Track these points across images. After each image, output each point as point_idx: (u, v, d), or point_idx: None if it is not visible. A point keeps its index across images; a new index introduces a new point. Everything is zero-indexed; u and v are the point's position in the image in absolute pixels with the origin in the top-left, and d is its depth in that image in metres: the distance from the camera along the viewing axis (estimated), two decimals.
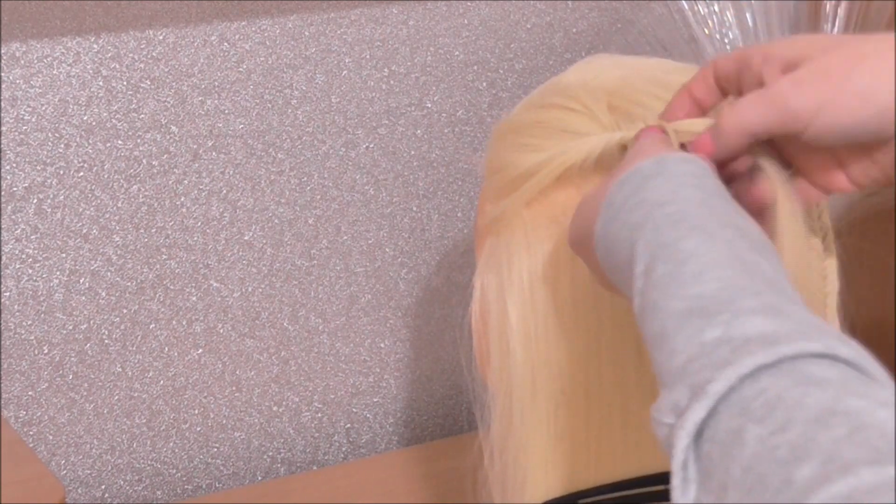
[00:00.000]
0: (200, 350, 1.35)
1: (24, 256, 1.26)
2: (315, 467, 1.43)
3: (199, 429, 1.37)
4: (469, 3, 1.37)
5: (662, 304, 0.69)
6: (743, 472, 0.60)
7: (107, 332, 1.31)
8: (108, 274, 1.29)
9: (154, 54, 1.26)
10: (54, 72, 1.23)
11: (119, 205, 1.28)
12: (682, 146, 0.87)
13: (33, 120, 1.23)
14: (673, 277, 0.69)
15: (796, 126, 0.83)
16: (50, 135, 1.24)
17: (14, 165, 1.23)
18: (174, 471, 1.37)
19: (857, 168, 0.88)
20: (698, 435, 0.63)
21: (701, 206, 0.74)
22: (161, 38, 1.26)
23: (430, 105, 1.38)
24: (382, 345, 1.43)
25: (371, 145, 1.37)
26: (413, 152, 1.39)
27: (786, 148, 0.89)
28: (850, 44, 0.83)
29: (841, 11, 1.35)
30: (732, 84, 0.89)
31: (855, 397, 0.60)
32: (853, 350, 0.63)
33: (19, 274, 1.26)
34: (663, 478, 0.92)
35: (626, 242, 0.74)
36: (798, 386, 0.61)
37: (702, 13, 1.32)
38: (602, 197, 0.79)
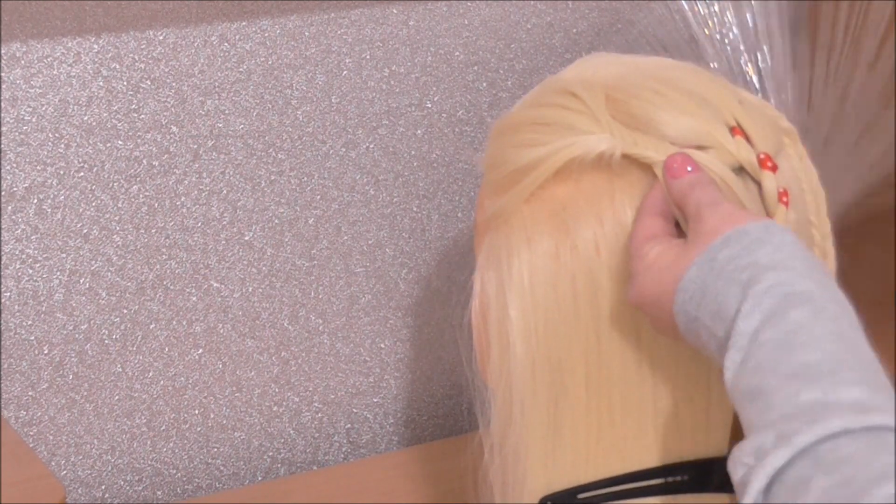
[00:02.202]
0: (201, 350, 1.35)
1: (24, 256, 1.26)
2: (315, 468, 1.43)
3: (199, 429, 1.37)
4: (469, 4, 1.37)
5: (766, 366, 0.75)
6: None
7: (107, 333, 1.31)
8: (109, 274, 1.29)
9: (154, 54, 1.26)
10: (54, 72, 1.23)
11: (119, 205, 1.28)
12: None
13: (33, 120, 1.23)
14: (780, 343, 0.75)
15: None
16: (50, 135, 1.24)
17: (14, 165, 1.24)
18: (174, 471, 1.37)
19: None
20: (773, 478, 0.70)
21: (809, 279, 0.79)
22: (161, 38, 1.26)
23: (430, 105, 1.38)
24: (382, 345, 1.43)
25: (371, 145, 1.37)
26: (413, 152, 1.39)
27: None
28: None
29: (841, 12, 1.36)
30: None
31: None
32: None
33: (19, 274, 1.26)
34: (662, 472, 0.92)
35: (731, 298, 0.79)
36: (872, 449, 0.67)
37: (702, 13, 1.32)
38: (685, 258, 0.84)
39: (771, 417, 0.72)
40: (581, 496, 0.93)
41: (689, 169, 0.89)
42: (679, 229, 0.90)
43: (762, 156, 0.92)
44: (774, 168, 0.92)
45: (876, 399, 0.71)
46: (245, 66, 1.30)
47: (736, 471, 0.72)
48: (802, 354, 0.74)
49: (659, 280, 0.86)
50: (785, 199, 0.92)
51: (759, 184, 0.92)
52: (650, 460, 0.93)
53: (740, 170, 0.92)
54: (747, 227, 0.82)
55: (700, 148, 0.92)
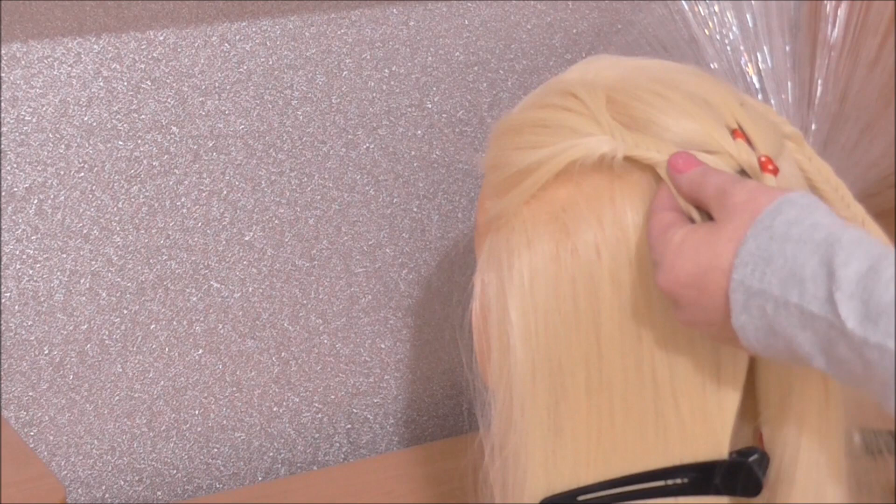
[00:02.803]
0: (201, 350, 1.35)
1: (24, 257, 1.26)
2: (315, 468, 1.43)
3: (199, 429, 1.37)
4: (469, 4, 1.37)
5: None
6: None
7: (107, 333, 1.31)
8: (109, 274, 1.29)
9: (155, 55, 1.26)
10: (55, 72, 1.23)
11: (119, 205, 1.28)
12: None
13: (34, 120, 1.23)
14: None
15: None
16: (50, 135, 1.24)
17: (14, 166, 1.24)
18: (174, 471, 1.37)
19: None
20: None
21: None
22: (162, 38, 1.26)
23: (430, 105, 1.38)
24: (382, 345, 1.43)
25: (371, 146, 1.37)
26: (413, 153, 1.39)
27: None
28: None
29: (841, 12, 1.36)
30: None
31: None
32: None
33: (19, 274, 1.26)
34: (663, 474, 0.92)
35: (809, 256, 0.78)
36: None
37: (702, 13, 1.32)
38: (725, 249, 0.82)
39: None
40: (581, 498, 0.93)
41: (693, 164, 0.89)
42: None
43: (763, 158, 0.92)
44: (776, 171, 0.91)
45: None
46: (245, 67, 1.30)
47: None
48: None
49: (696, 259, 0.84)
50: None
51: None
52: (650, 462, 0.93)
53: (741, 172, 0.92)
54: (792, 196, 0.82)
55: (701, 150, 0.92)
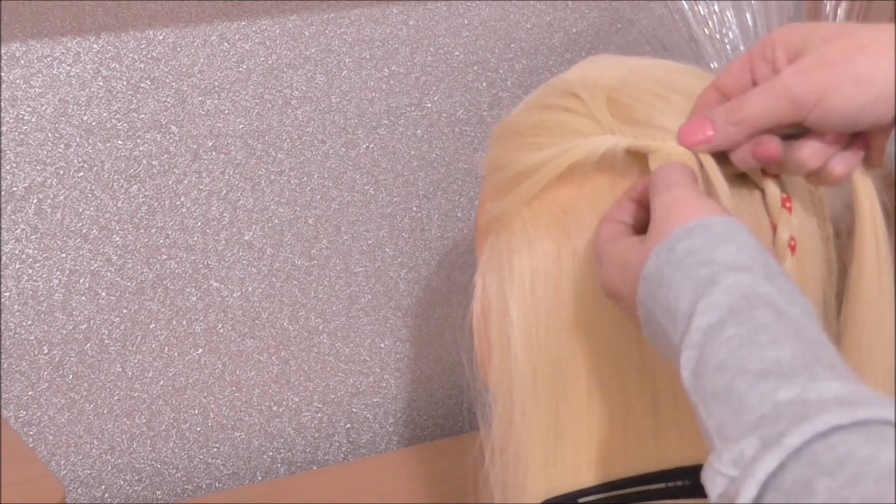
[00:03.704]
0: (200, 350, 1.35)
1: (24, 256, 1.26)
2: (315, 467, 1.43)
3: (199, 429, 1.37)
4: (469, 3, 1.37)
5: (732, 363, 0.71)
6: None
7: (107, 332, 1.31)
8: (108, 274, 1.29)
9: (154, 54, 1.26)
10: (54, 72, 1.23)
11: (119, 205, 1.28)
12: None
13: (33, 120, 1.23)
14: (746, 340, 0.72)
15: (800, 113, 0.86)
16: (50, 135, 1.24)
17: (14, 165, 1.23)
18: (174, 471, 1.37)
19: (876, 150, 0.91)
20: (765, 485, 0.65)
21: (769, 282, 0.76)
22: (161, 38, 1.26)
23: (430, 105, 1.38)
24: (382, 345, 1.43)
25: (371, 145, 1.37)
26: (413, 152, 1.39)
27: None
28: (848, 33, 0.87)
29: (841, 11, 1.35)
30: (740, 89, 0.90)
31: None
32: None
33: (19, 274, 1.26)
34: (664, 476, 0.92)
35: (686, 294, 0.76)
36: (870, 443, 0.63)
37: (702, 13, 1.32)
38: (655, 239, 0.81)
39: (748, 420, 0.68)
40: (582, 500, 0.93)
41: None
42: None
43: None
44: (778, 175, 0.92)
45: (857, 392, 0.67)
46: (245, 66, 1.30)
47: (714, 485, 0.68)
48: (771, 351, 0.71)
49: (623, 271, 0.84)
50: (788, 204, 0.92)
51: (762, 190, 0.92)
52: (651, 465, 0.92)
53: (742, 175, 0.92)
54: (711, 220, 0.80)
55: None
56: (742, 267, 0.77)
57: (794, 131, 0.89)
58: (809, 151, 0.89)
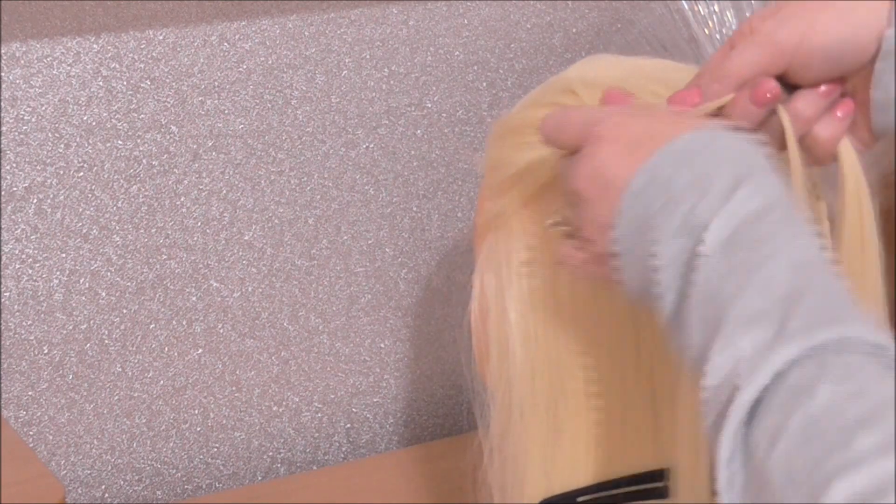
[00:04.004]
0: (200, 350, 1.35)
1: (24, 256, 1.26)
2: (315, 467, 1.43)
3: (199, 429, 1.37)
4: (469, 3, 1.37)
5: (772, 244, 0.69)
6: (803, 423, 0.60)
7: (107, 333, 1.31)
8: (108, 274, 1.29)
9: (154, 54, 1.26)
10: (54, 72, 1.23)
11: (119, 205, 1.28)
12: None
13: (33, 120, 1.23)
14: (787, 227, 0.71)
15: (783, 59, 0.86)
16: (50, 135, 1.24)
17: (14, 165, 1.24)
18: (174, 471, 1.37)
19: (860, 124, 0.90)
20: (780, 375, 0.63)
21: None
22: (161, 38, 1.26)
23: (430, 105, 1.38)
24: (382, 345, 1.43)
25: (371, 145, 1.37)
26: (413, 152, 1.39)
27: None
28: None
29: None
30: None
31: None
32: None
33: (19, 274, 1.26)
34: (661, 475, 0.92)
35: (727, 173, 0.73)
36: (885, 370, 0.62)
37: (702, 13, 1.32)
38: (680, 128, 0.78)
39: (772, 301, 0.66)
40: (580, 499, 0.93)
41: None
42: None
43: None
44: None
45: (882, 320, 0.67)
46: (245, 66, 1.30)
47: (722, 356, 0.65)
48: (814, 247, 0.70)
49: (644, 127, 0.81)
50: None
51: None
52: (649, 463, 0.93)
53: None
54: (716, 131, 0.78)
55: None
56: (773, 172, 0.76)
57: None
58: (802, 101, 0.87)
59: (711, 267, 0.70)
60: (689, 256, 0.72)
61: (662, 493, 0.92)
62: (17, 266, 1.26)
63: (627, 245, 0.76)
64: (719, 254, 0.70)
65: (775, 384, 0.63)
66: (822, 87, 0.87)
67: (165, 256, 1.31)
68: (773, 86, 0.86)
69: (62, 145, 1.25)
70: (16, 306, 1.27)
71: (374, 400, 1.44)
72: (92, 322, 1.30)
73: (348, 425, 1.43)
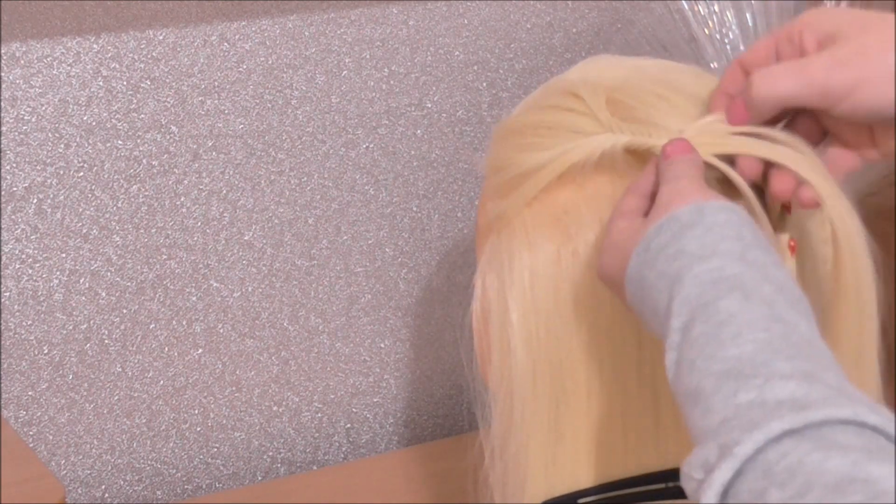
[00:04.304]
0: (200, 350, 1.35)
1: (24, 256, 1.26)
2: (315, 467, 1.43)
3: (199, 429, 1.37)
4: (469, 3, 1.37)
5: (700, 364, 0.71)
6: None
7: (107, 332, 1.31)
8: (108, 274, 1.29)
9: (154, 54, 1.26)
10: (54, 72, 1.23)
11: (119, 205, 1.28)
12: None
13: (33, 120, 1.23)
14: (711, 338, 0.72)
15: (827, 103, 0.85)
16: (50, 135, 1.24)
17: (14, 165, 1.24)
18: (174, 471, 1.37)
19: (885, 142, 0.89)
20: (725, 493, 0.66)
21: (740, 261, 0.76)
22: (161, 38, 1.26)
23: (430, 105, 1.38)
24: (382, 345, 1.43)
25: (371, 145, 1.37)
26: (413, 152, 1.39)
27: (822, 117, 0.90)
28: (885, 23, 0.85)
29: None
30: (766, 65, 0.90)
31: (877, 464, 0.62)
32: (882, 417, 0.65)
33: (19, 274, 1.26)
34: (663, 476, 0.92)
35: (663, 293, 0.77)
36: (820, 451, 0.63)
37: (702, 13, 1.32)
38: (637, 238, 0.81)
39: (712, 424, 0.69)
40: (581, 501, 0.93)
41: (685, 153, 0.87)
42: None
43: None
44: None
45: (812, 391, 0.67)
46: (245, 66, 1.30)
47: (688, 486, 0.69)
48: (734, 348, 0.71)
49: (616, 254, 0.84)
50: (788, 205, 0.92)
51: (762, 191, 0.92)
52: (651, 465, 0.93)
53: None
54: (675, 213, 0.79)
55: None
56: (710, 252, 0.76)
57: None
58: (832, 159, 0.88)
59: (678, 402, 0.75)
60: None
61: (664, 495, 0.92)
62: (17, 266, 1.26)
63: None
64: (674, 389, 0.75)
65: (728, 497, 0.66)
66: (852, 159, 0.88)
67: (165, 256, 1.31)
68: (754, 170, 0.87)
69: (62, 145, 1.25)
70: (16, 306, 1.27)
71: (374, 400, 1.44)
72: (92, 322, 1.30)
73: (348, 425, 1.43)
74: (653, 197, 0.86)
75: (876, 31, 0.84)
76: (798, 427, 0.65)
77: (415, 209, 1.40)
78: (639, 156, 0.92)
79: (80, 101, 1.24)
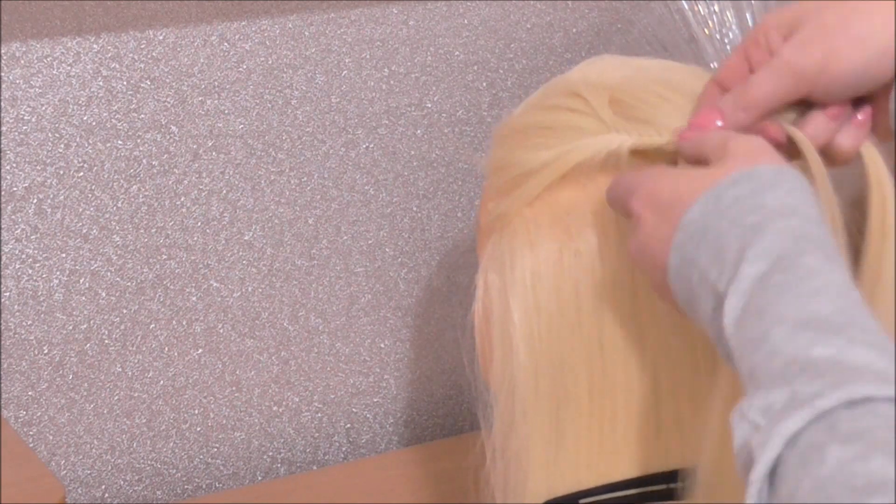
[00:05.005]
0: (200, 350, 1.35)
1: (24, 256, 1.26)
2: (315, 467, 1.43)
3: (199, 429, 1.37)
4: (469, 3, 1.37)
5: (772, 310, 0.70)
6: (814, 488, 0.61)
7: (107, 332, 1.31)
8: (108, 274, 1.29)
9: (154, 54, 1.26)
10: (54, 72, 1.23)
11: (119, 205, 1.28)
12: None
13: (33, 120, 1.23)
14: (790, 287, 0.71)
15: (806, 86, 0.87)
16: (50, 135, 1.24)
17: (14, 165, 1.23)
18: (174, 471, 1.37)
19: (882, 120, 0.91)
20: (789, 442, 0.64)
21: (820, 226, 0.76)
22: (161, 38, 1.26)
23: (430, 105, 1.38)
24: (382, 345, 1.43)
25: (371, 145, 1.37)
26: (413, 152, 1.39)
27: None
28: (840, 1, 0.87)
29: None
30: (740, 80, 0.91)
31: None
32: None
33: (19, 274, 1.26)
34: (665, 477, 0.92)
35: (733, 241, 0.75)
36: (891, 424, 0.62)
37: (702, 13, 1.32)
38: (699, 187, 0.79)
39: (779, 369, 0.67)
40: (583, 501, 0.93)
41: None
42: None
43: None
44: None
45: (890, 367, 0.66)
46: (245, 66, 1.30)
47: (739, 427, 0.67)
48: (814, 303, 0.70)
49: (674, 186, 0.82)
50: None
51: None
52: (652, 466, 0.93)
53: None
54: (757, 169, 0.79)
55: None
56: (791, 211, 0.76)
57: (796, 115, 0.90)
58: (813, 126, 0.89)
59: (732, 346, 0.73)
60: (718, 334, 0.76)
61: (666, 496, 0.92)
62: (17, 266, 1.26)
63: (686, 311, 0.81)
64: (733, 334, 0.73)
65: (787, 452, 0.64)
66: (832, 110, 0.89)
67: (165, 256, 1.31)
68: (778, 132, 0.88)
69: (62, 145, 1.25)
70: (16, 306, 1.27)
71: (374, 400, 1.44)
72: (92, 322, 1.30)
73: (348, 425, 1.43)
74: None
75: (832, 8, 0.87)
76: (879, 397, 0.64)
77: (415, 209, 1.40)
78: (642, 157, 0.92)
79: (80, 101, 1.24)
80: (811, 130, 0.89)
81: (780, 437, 0.64)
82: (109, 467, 1.34)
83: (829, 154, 0.90)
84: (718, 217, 0.77)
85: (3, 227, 1.24)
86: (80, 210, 1.27)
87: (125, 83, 1.25)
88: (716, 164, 0.82)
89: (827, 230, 0.77)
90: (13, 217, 1.24)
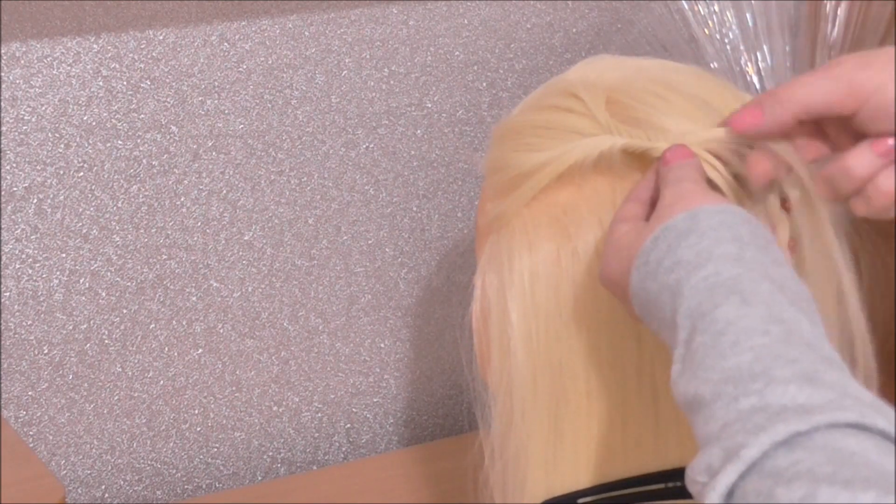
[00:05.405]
0: (200, 350, 1.35)
1: (24, 256, 1.26)
2: (315, 467, 1.43)
3: (199, 429, 1.37)
4: (469, 3, 1.37)
5: (700, 374, 0.72)
6: None
7: (107, 332, 1.31)
8: (108, 274, 1.29)
9: (154, 54, 1.26)
10: (54, 72, 1.23)
11: (119, 205, 1.28)
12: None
13: (33, 120, 1.23)
14: (710, 349, 0.72)
15: (854, 103, 0.83)
16: (50, 135, 1.24)
17: (14, 165, 1.24)
18: (174, 471, 1.37)
19: None
20: (730, 493, 0.66)
21: (737, 262, 0.76)
22: (161, 38, 1.26)
23: (430, 105, 1.38)
24: (382, 345, 1.43)
25: (371, 145, 1.37)
26: (413, 152, 1.39)
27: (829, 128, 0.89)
28: None
29: (841, 11, 1.35)
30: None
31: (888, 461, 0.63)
32: (886, 420, 0.66)
33: (19, 274, 1.26)
34: (663, 476, 0.92)
35: (667, 305, 0.77)
36: (826, 456, 0.64)
37: (702, 13, 1.32)
38: (636, 248, 0.81)
39: (714, 429, 0.69)
40: (581, 501, 0.93)
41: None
42: None
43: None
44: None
45: (816, 395, 0.67)
46: (245, 66, 1.30)
47: (693, 489, 0.70)
48: (732, 357, 0.71)
49: (619, 260, 0.84)
50: (787, 204, 0.92)
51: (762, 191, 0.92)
52: (650, 465, 0.93)
53: (745, 176, 0.92)
54: (672, 221, 0.79)
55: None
56: (706, 258, 0.76)
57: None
58: (858, 159, 0.84)
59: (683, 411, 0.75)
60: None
61: (664, 495, 0.92)
62: (17, 266, 1.26)
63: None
64: (677, 399, 0.75)
65: (733, 499, 0.66)
66: (887, 144, 0.83)
67: (165, 256, 1.31)
68: (766, 166, 0.87)
69: (62, 145, 1.25)
70: (16, 306, 1.27)
71: (375, 400, 1.44)
72: (92, 322, 1.30)
73: (348, 425, 1.43)
74: (653, 203, 0.87)
75: None
76: (805, 430, 0.65)
77: (415, 209, 1.40)
78: (636, 157, 0.92)
79: (80, 101, 1.24)
80: (854, 163, 0.84)
81: (715, 492, 0.66)
82: (109, 467, 1.34)
83: (866, 195, 0.85)
84: (651, 281, 0.79)
85: (3, 227, 1.24)
86: (80, 210, 1.27)
87: (125, 83, 1.26)
88: (652, 215, 0.83)
89: (746, 249, 0.77)
90: (13, 217, 1.25)
